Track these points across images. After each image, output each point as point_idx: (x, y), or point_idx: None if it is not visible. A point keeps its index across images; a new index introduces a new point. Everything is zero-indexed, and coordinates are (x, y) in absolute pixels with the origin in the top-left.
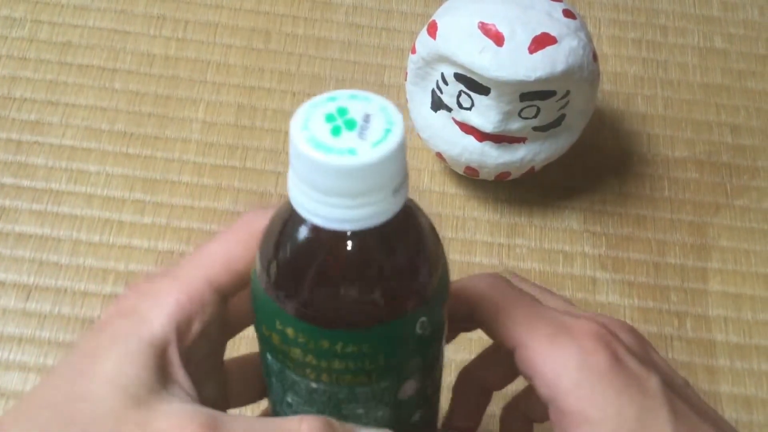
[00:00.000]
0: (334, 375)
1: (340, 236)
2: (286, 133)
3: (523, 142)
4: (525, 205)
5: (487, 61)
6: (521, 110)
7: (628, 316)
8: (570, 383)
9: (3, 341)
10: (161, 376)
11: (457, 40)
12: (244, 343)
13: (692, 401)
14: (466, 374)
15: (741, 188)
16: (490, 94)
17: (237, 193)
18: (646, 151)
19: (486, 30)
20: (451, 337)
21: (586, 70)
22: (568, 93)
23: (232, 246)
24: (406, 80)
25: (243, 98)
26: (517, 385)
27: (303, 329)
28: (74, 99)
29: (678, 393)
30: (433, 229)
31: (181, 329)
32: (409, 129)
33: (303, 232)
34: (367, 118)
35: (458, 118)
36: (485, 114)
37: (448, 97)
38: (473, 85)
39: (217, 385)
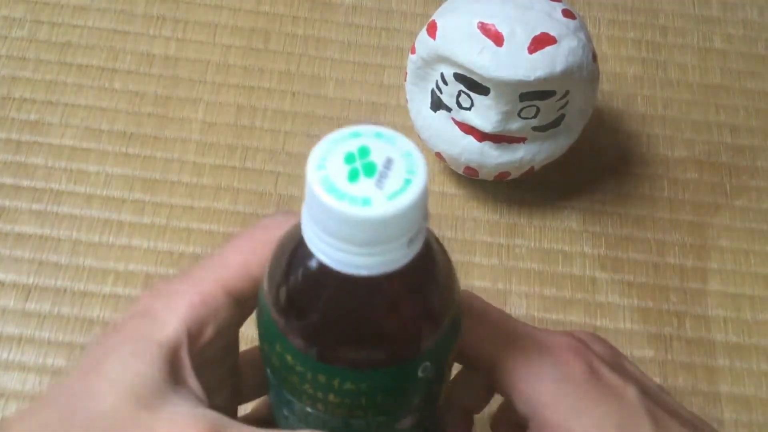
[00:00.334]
0: (330, 406)
1: (346, 278)
2: (286, 133)
3: (523, 142)
4: (524, 205)
5: (486, 61)
6: (521, 110)
7: (628, 317)
8: (548, 397)
9: (2, 341)
10: (170, 379)
11: (457, 40)
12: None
13: (670, 407)
14: (444, 400)
15: (740, 188)
16: (490, 94)
17: (236, 193)
18: (646, 151)
19: (485, 30)
20: None
21: (586, 70)
22: (567, 93)
23: (249, 251)
24: (405, 80)
25: (242, 98)
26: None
27: (301, 359)
28: (74, 99)
29: (655, 400)
30: (448, 271)
31: (194, 332)
32: (410, 128)
33: (311, 266)
34: (388, 164)
35: (458, 118)
36: (485, 114)
37: (447, 97)
38: (473, 85)
39: (230, 389)
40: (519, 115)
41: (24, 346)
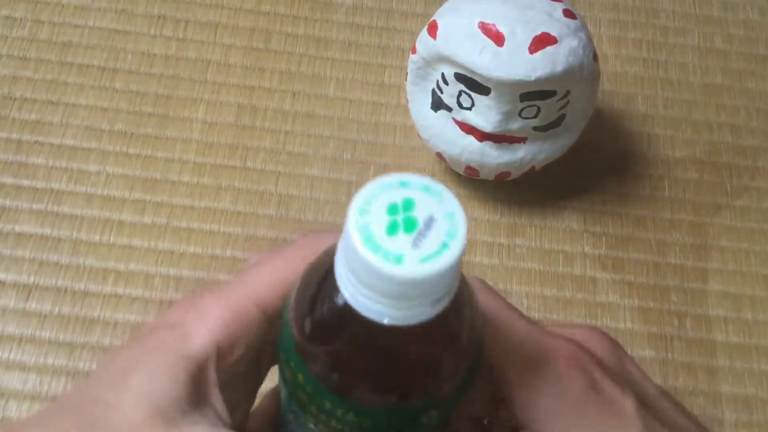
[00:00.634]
0: (332, 429)
1: (366, 321)
2: (287, 133)
3: (524, 142)
4: (525, 205)
5: (487, 61)
6: (521, 110)
7: (628, 317)
8: (546, 411)
9: (3, 341)
10: (194, 395)
11: (458, 40)
12: None
13: (668, 416)
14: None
15: (741, 188)
16: (491, 94)
17: (237, 192)
18: (646, 151)
19: (486, 30)
20: None
21: (587, 70)
22: (568, 93)
23: (283, 269)
24: (406, 80)
25: (243, 98)
26: None
27: (311, 382)
28: (75, 99)
29: (654, 410)
30: (472, 327)
31: (224, 348)
32: (410, 128)
33: (335, 299)
34: (429, 222)
35: (458, 118)
36: (485, 114)
37: (448, 97)
38: (473, 85)
39: (251, 405)
40: (520, 115)
41: (24, 345)
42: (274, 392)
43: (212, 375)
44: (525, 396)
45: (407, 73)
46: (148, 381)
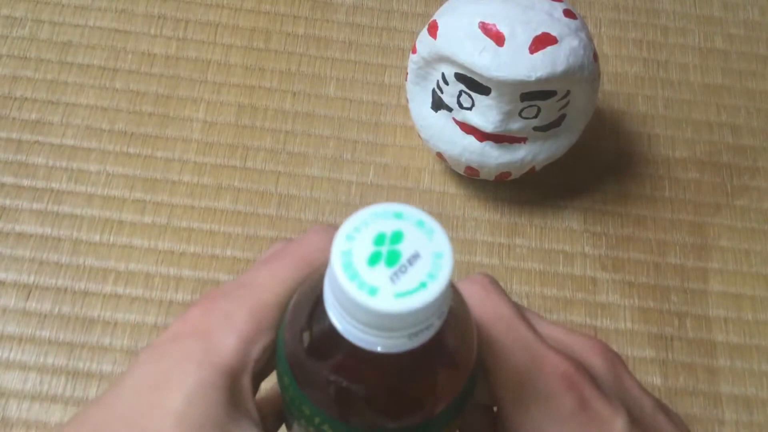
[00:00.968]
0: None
1: (347, 343)
2: (287, 133)
3: (524, 142)
4: (525, 205)
5: (487, 61)
6: (522, 110)
7: (629, 317)
8: (533, 428)
9: (3, 340)
10: (231, 409)
11: (458, 39)
12: None
13: (660, 430)
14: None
15: (741, 188)
16: (491, 94)
17: (237, 192)
18: (647, 151)
19: (486, 30)
20: None
21: (587, 70)
22: (568, 93)
23: (301, 265)
24: (406, 80)
25: (243, 98)
26: None
27: (298, 393)
28: (75, 98)
29: (646, 426)
30: (458, 357)
31: (254, 356)
32: (411, 128)
33: (322, 318)
34: (413, 259)
35: (459, 118)
36: (486, 114)
37: (448, 97)
38: (474, 85)
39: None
40: (520, 115)
41: (24, 345)
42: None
43: (247, 385)
44: (514, 411)
45: (407, 73)
46: (186, 403)
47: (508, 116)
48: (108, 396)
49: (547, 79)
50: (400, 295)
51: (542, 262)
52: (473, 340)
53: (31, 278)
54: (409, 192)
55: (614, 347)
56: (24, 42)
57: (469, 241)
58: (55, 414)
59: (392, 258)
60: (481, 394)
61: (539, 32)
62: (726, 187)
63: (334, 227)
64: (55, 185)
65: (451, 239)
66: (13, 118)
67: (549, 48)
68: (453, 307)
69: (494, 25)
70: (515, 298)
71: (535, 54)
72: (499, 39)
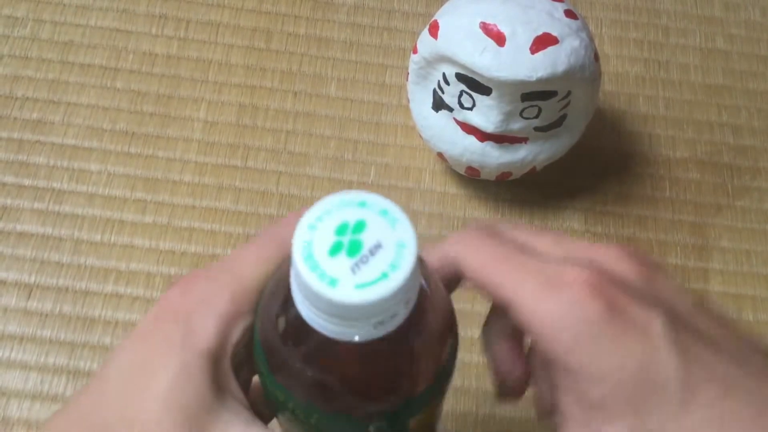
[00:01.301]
0: (290, 418)
1: (316, 334)
2: (288, 133)
3: (525, 143)
4: (526, 205)
5: (488, 61)
6: (522, 110)
7: None
8: (566, 341)
9: (4, 340)
10: (216, 390)
11: (459, 40)
12: None
13: (704, 332)
14: (488, 334)
15: (742, 189)
16: (492, 94)
17: (238, 192)
18: (648, 151)
19: (487, 30)
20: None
21: (588, 71)
22: (569, 93)
23: (284, 247)
24: (407, 80)
25: (244, 98)
26: None
27: (270, 377)
28: (76, 98)
29: (687, 327)
30: (434, 335)
31: (232, 339)
32: (411, 128)
33: (292, 311)
34: (375, 249)
35: (459, 118)
36: (486, 114)
37: (449, 97)
38: (474, 85)
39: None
40: (521, 115)
41: (25, 344)
42: None
43: (227, 366)
44: (542, 330)
45: (408, 73)
46: (171, 386)
47: (508, 116)
48: (95, 382)
49: (548, 80)
50: (361, 286)
51: None
52: (448, 323)
53: (32, 278)
54: (409, 192)
55: None
56: (25, 42)
57: None
58: None
59: (354, 248)
60: (503, 327)
61: (540, 32)
62: (727, 187)
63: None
64: (56, 185)
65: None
66: (15, 118)
67: (550, 48)
68: (425, 290)
69: (495, 25)
70: None
71: (536, 54)
72: (500, 39)
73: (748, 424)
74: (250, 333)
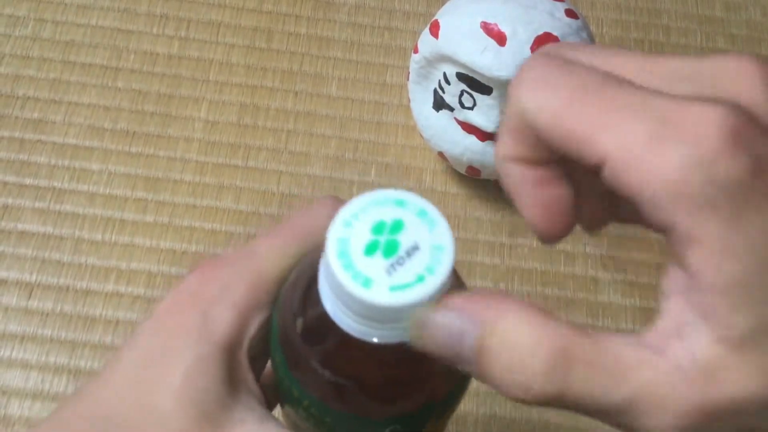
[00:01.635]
0: (303, 415)
1: (342, 333)
2: (289, 132)
3: None
4: None
5: (489, 61)
6: None
7: (630, 317)
8: (688, 208)
9: (5, 339)
10: (231, 384)
11: (459, 39)
12: None
13: None
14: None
15: None
16: (492, 94)
17: (239, 191)
18: None
19: (488, 29)
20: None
21: None
22: None
23: (305, 239)
24: (408, 79)
25: (245, 97)
26: None
27: (287, 373)
28: (77, 98)
29: None
30: None
31: (250, 331)
32: (412, 128)
33: (317, 308)
34: (412, 251)
35: (460, 118)
36: (487, 114)
37: (450, 97)
38: (475, 84)
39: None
40: None
41: (26, 343)
42: None
43: (243, 359)
44: (655, 194)
45: (409, 73)
46: (185, 379)
47: None
48: (107, 371)
49: None
50: (395, 288)
51: (543, 261)
52: None
53: (33, 277)
54: (410, 191)
55: None
56: (27, 41)
57: (470, 241)
58: None
59: (390, 248)
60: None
61: (541, 32)
62: None
63: (343, 201)
64: (57, 184)
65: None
66: (16, 117)
67: None
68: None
69: (496, 24)
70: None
71: None
72: (500, 39)
73: None
74: (267, 327)
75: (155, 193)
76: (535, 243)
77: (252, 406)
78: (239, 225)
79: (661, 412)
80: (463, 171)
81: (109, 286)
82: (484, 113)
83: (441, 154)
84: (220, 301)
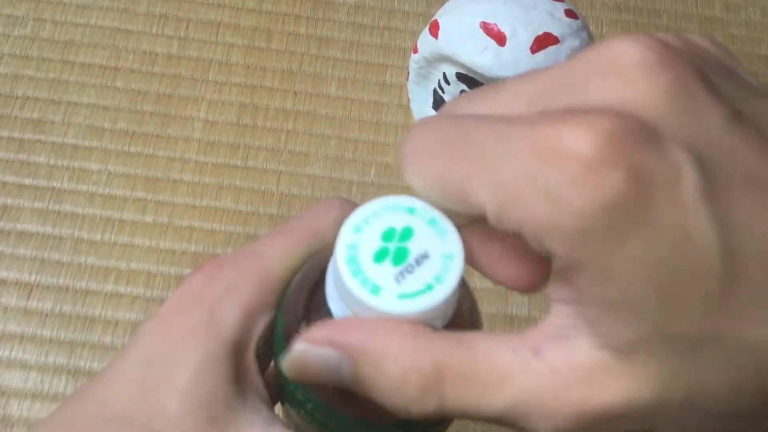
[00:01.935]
0: (306, 417)
1: None
2: (288, 132)
3: None
4: None
5: (488, 61)
6: None
7: None
8: (564, 240)
9: (4, 339)
10: (238, 385)
11: (459, 39)
12: None
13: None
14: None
15: None
16: None
17: (239, 191)
18: None
19: (488, 29)
20: None
21: None
22: None
23: (313, 240)
24: (407, 80)
25: (245, 97)
26: None
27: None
28: (76, 97)
29: (752, 120)
30: None
31: (256, 327)
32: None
33: (324, 311)
34: (421, 259)
35: None
36: None
37: (450, 97)
38: (475, 84)
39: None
40: None
41: (25, 344)
42: None
43: (250, 360)
44: (532, 227)
45: (409, 73)
46: (192, 380)
47: None
48: (111, 371)
49: None
50: (404, 296)
51: None
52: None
53: (32, 277)
54: (410, 192)
55: None
56: (26, 41)
57: None
58: None
59: (400, 256)
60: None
61: (541, 32)
62: None
63: (352, 202)
64: (56, 184)
65: None
66: (15, 117)
67: (550, 48)
68: (462, 304)
69: (496, 24)
70: (516, 298)
71: (537, 54)
72: (500, 39)
73: None
74: (271, 328)
75: (155, 193)
76: None
77: (259, 408)
78: (239, 225)
79: (542, 417)
80: None
81: (109, 287)
82: None
83: None
84: (226, 300)
